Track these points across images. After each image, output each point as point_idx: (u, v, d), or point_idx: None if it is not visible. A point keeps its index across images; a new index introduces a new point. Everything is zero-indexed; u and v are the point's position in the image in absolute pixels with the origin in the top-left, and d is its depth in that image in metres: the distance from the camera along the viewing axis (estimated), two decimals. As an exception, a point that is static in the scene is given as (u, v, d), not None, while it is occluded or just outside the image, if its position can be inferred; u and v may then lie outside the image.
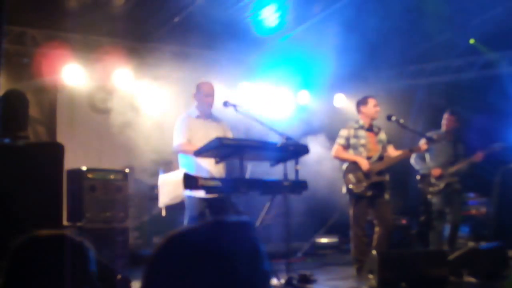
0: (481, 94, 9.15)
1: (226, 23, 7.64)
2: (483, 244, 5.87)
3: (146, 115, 8.68)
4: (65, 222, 5.46)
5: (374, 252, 5.41)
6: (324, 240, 8.84)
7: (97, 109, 8.31)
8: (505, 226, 6.32)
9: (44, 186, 4.42)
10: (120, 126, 8.50)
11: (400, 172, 7.20)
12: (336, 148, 6.20)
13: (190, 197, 5.31)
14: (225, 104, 5.47)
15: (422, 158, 7.21)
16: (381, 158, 6.10)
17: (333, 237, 8.94)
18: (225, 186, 5.00)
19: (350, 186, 6.01)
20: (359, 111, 6.28)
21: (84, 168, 5.90)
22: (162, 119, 8.81)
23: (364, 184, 5.97)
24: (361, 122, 6.21)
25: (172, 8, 7.50)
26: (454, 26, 8.27)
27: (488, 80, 9.05)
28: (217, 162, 5.19)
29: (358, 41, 8.24)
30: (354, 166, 6.03)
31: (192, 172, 5.08)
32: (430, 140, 6.36)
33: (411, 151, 6.43)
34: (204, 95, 5.64)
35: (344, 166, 6.13)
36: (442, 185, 6.97)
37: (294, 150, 5.14)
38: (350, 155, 6.11)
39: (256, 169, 5.61)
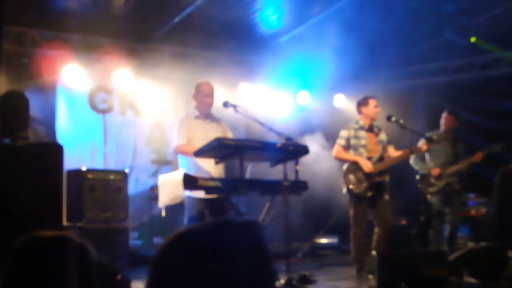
0: (481, 95, 9.16)
1: (226, 24, 7.64)
2: (483, 245, 5.86)
3: (146, 115, 8.69)
4: (65, 223, 5.46)
5: (374, 252, 5.41)
6: (324, 240, 8.84)
7: (97, 110, 8.31)
8: (505, 226, 6.31)
9: (44, 186, 4.42)
10: (120, 126, 8.51)
11: (399, 172, 7.20)
12: (337, 149, 6.20)
13: (189, 198, 5.31)
14: (225, 104, 5.46)
15: (422, 158, 7.21)
16: (381, 158, 6.10)
17: (333, 238, 8.94)
18: (225, 187, 5.00)
19: (351, 186, 6.01)
20: (359, 111, 6.28)
21: (84, 168, 5.90)
22: (162, 120, 8.82)
23: (365, 184, 5.97)
24: (361, 122, 6.21)
25: (172, 8, 7.51)
26: (454, 26, 8.27)
27: (488, 81, 9.06)
28: (217, 163, 5.19)
29: (358, 42, 8.25)
30: (354, 166, 6.03)
31: (192, 173, 5.08)
32: (430, 141, 6.36)
33: (412, 151, 6.43)
34: (203, 96, 5.63)
35: (345, 166, 6.13)
36: (441, 185, 6.97)
37: (294, 150, 5.14)
38: (351, 155, 6.11)
39: (256, 169, 5.61)
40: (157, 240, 8.35)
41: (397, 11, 7.73)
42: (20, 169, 4.33)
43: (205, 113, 5.66)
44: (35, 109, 7.22)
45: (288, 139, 5.10)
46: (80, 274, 1.42)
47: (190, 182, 4.80)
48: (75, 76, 7.81)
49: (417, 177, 7.20)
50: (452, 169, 6.99)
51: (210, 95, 5.65)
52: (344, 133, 6.20)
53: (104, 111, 8.35)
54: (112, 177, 6.02)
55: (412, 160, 7.18)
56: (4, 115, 4.70)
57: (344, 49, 8.25)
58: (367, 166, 5.97)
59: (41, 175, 4.41)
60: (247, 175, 5.29)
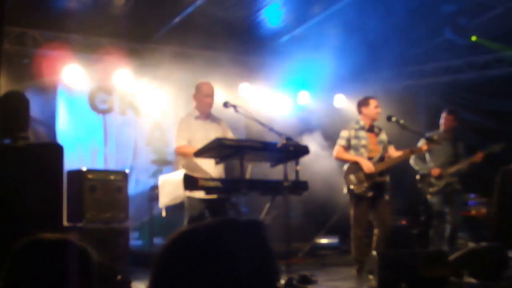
0: (481, 95, 9.15)
1: (226, 24, 7.64)
2: (484, 245, 5.86)
3: (146, 116, 8.70)
4: (65, 223, 5.46)
5: (374, 252, 5.41)
6: (324, 240, 8.84)
7: (97, 110, 8.31)
8: (506, 226, 6.31)
9: (45, 186, 4.42)
10: (120, 126, 8.51)
11: (400, 172, 7.19)
12: (337, 149, 6.20)
13: (190, 198, 5.31)
14: (225, 104, 5.46)
15: (422, 159, 7.21)
16: (382, 158, 6.10)
17: (333, 238, 8.94)
18: (225, 187, 5.00)
19: (351, 186, 6.01)
20: (360, 112, 6.28)
21: (84, 168, 5.90)
22: (162, 120, 8.82)
23: (365, 184, 5.97)
24: (362, 123, 6.21)
25: (172, 8, 7.51)
26: (455, 26, 8.27)
27: (488, 81, 9.06)
28: (217, 163, 5.19)
29: (358, 42, 8.25)
30: (355, 166, 6.03)
31: (192, 173, 5.08)
32: (430, 141, 6.36)
33: (412, 152, 6.43)
34: (203, 96, 5.63)
35: (345, 166, 6.13)
36: (441, 185, 6.97)
37: (294, 150, 5.14)
38: (351, 156, 6.11)
39: (256, 169, 5.61)
40: (158, 241, 8.35)
41: (397, 11, 7.73)
42: (21, 170, 4.33)
43: (205, 114, 5.65)
44: (35, 109, 7.23)
45: (289, 139, 5.10)
46: (80, 277, 1.42)
47: (190, 182, 4.80)
48: (76, 76, 7.81)
49: (417, 177, 7.20)
50: (452, 169, 6.99)
51: (210, 95, 5.64)
52: (344, 134, 6.20)
53: (104, 111, 8.36)
54: (112, 177, 6.02)
55: (412, 161, 7.18)
56: (5, 115, 4.70)
57: (344, 49, 8.25)
58: (367, 166, 5.97)
59: (42, 175, 4.41)
60: (248, 175, 5.29)
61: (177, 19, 7.68)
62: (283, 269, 5.15)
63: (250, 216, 7.68)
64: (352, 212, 6.08)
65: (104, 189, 5.83)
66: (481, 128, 8.74)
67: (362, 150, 6.11)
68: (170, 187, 5.03)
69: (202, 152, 5.01)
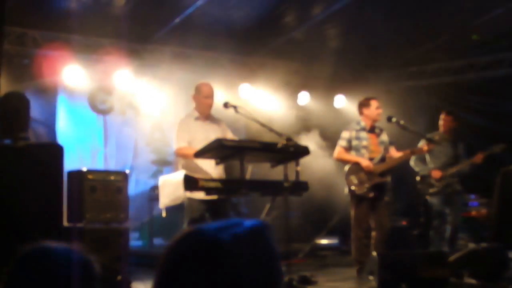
0: (481, 95, 9.15)
1: (226, 24, 7.64)
2: (484, 246, 5.86)
3: (147, 116, 8.70)
4: (65, 223, 5.46)
5: (374, 253, 5.41)
6: (324, 241, 8.84)
7: (97, 110, 8.31)
8: (506, 227, 6.31)
9: (45, 187, 4.42)
10: (120, 126, 8.52)
11: (400, 173, 7.19)
12: (338, 150, 6.20)
13: (190, 199, 5.30)
14: (226, 105, 5.46)
15: (422, 160, 7.20)
16: (383, 159, 6.10)
17: (334, 238, 8.94)
18: (225, 188, 4.99)
19: (352, 187, 6.01)
20: (361, 112, 6.27)
21: (84, 169, 5.90)
22: (162, 120, 8.82)
23: (366, 185, 5.97)
24: (363, 123, 6.21)
25: (173, 9, 7.50)
26: (455, 26, 8.26)
27: (488, 82, 9.05)
28: (217, 164, 5.18)
29: (358, 43, 8.25)
30: (356, 167, 6.03)
31: (192, 174, 5.08)
32: (430, 141, 6.36)
33: (413, 152, 6.43)
34: (203, 97, 5.60)
35: (346, 167, 6.13)
36: (441, 186, 6.97)
37: (294, 151, 5.14)
38: (352, 156, 6.11)
39: (256, 170, 5.61)
40: (158, 241, 8.36)
41: (397, 11, 7.73)
42: (21, 170, 4.33)
43: (205, 115, 5.64)
44: (35, 109, 7.23)
45: (289, 139, 5.09)
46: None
47: (190, 183, 4.79)
48: (76, 77, 7.81)
49: (418, 178, 7.19)
50: (453, 170, 6.98)
51: (210, 96, 5.62)
52: (345, 134, 6.20)
53: (104, 112, 8.36)
54: (112, 177, 6.01)
55: (412, 162, 7.18)
56: (5, 116, 4.70)
57: (344, 49, 8.25)
58: (366, 164, 5.96)
59: (42, 175, 4.41)
60: (248, 176, 5.29)
61: (177, 20, 7.68)
62: (284, 269, 5.15)
63: (250, 216, 7.68)
64: (353, 212, 6.08)
65: (104, 190, 5.82)
66: (482, 129, 8.74)
67: (363, 151, 6.11)
68: (171, 188, 5.02)
69: (202, 153, 5.00)
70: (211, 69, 8.51)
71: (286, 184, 5.06)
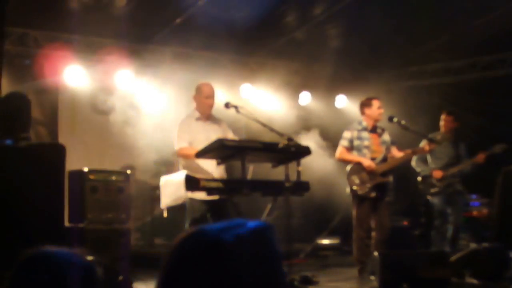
0: (482, 96, 9.14)
1: (227, 24, 7.64)
2: (485, 246, 5.86)
3: (148, 116, 8.69)
4: (66, 224, 5.46)
5: (376, 253, 5.41)
6: (325, 241, 8.83)
7: (98, 110, 8.32)
8: (507, 227, 6.30)
9: (46, 187, 4.42)
10: (121, 127, 8.51)
11: (401, 173, 7.19)
12: (340, 150, 6.20)
13: (192, 200, 5.30)
14: (227, 105, 5.46)
15: (424, 160, 7.20)
16: (385, 159, 6.10)
17: (335, 238, 8.93)
18: (227, 188, 4.99)
19: (354, 187, 6.01)
20: (362, 112, 6.27)
21: (85, 169, 5.90)
22: (163, 120, 8.81)
23: (368, 185, 5.97)
24: (364, 123, 6.21)
25: (174, 9, 7.51)
26: (456, 26, 8.26)
27: (489, 82, 9.05)
28: (218, 164, 5.18)
29: (359, 42, 8.24)
30: (358, 167, 6.03)
31: (194, 174, 5.08)
32: (432, 141, 6.35)
33: (414, 152, 6.43)
34: (204, 97, 5.60)
35: (348, 167, 6.13)
36: (442, 186, 6.96)
37: (295, 151, 5.14)
38: (354, 156, 6.11)
39: (257, 170, 5.60)
40: (159, 241, 8.36)
41: (398, 11, 7.73)
42: (22, 170, 4.33)
43: (206, 115, 5.64)
44: (37, 109, 7.24)
45: (290, 139, 5.09)
46: None
47: (192, 183, 4.79)
48: (77, 77, 7.82)
49: (419, 178, 7.19)
50: (454, 170, 6.98)
51: (211, 96, 5.62)
52: (347, 134, 6.19)
53: (105, 112, 8.36)
54: (114, 178, 6.01)
55: (413, 162, 7.17)
56: (6, 116, 4.70)
57: (345, 49, 8.24)
58: (367, 163, 5.96)
59: (43, 175, 4.41)
60: (249, 176, 5.28)
61: (178, 20, 7.68)
62: (285, 269, 5.14)
63: (251, 217, 7.67)
64: (354, 212, 6.08)
65: (105, 190, 5.82)
66: (483, 129, 8.73)
67: (365, 151, 6.11)
68: (172, 188, 5.02)
69: (203, 153, 5.00)
70: (212, 69, 8.51)
71: (287, 184, 5.06)
